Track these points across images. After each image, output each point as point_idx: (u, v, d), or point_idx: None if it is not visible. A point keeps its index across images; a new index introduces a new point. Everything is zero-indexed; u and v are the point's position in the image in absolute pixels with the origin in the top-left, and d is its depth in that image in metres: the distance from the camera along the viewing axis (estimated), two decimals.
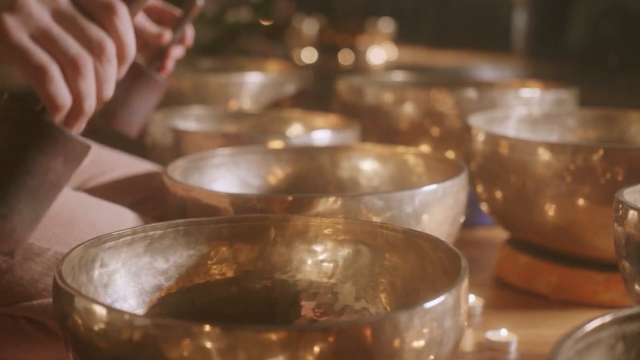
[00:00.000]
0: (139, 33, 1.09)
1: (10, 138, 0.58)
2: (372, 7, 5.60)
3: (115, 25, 0.58)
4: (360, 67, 4.47)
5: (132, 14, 0.62)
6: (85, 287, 0.71)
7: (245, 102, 1.77)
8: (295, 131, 1.49)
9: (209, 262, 0.80)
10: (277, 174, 1.17)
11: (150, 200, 1.06)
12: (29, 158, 0.58)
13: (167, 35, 1.06)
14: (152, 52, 1.07)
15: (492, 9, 5.67)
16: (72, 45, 0.56)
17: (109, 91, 0.59)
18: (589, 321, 0.54)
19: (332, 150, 1.19)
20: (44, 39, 0.56)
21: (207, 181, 1.11)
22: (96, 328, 0.59)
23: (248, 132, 1.48)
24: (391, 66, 4.48)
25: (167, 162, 1.07)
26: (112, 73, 0.58)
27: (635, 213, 0.81)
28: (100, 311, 0.59)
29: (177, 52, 1.07)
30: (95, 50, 0.57)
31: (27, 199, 0.60)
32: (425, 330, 0.60)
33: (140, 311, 0.76)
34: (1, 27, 0.55)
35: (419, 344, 0.60)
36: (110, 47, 0.57)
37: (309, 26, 4.81)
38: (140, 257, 0.77)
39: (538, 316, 1.12)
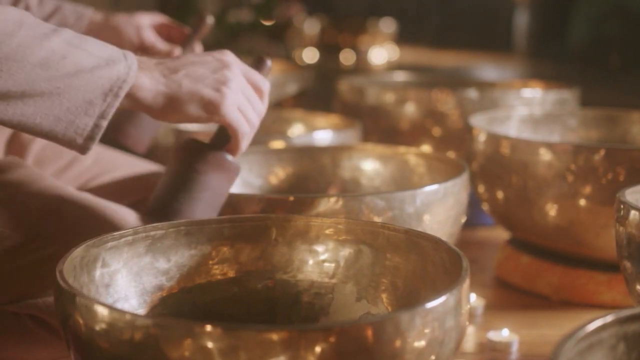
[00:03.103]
0: (149, 50, 1.11)
1: (195, 166, 0.85)
2: (374, 7, 5.60)
3: (264, 99, 0.87)
4: (361, 67, 4.47)
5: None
6: (86, 287, 0.71)
7: None
8: (297, 131, 1.49)
9: (211, 262, 0.80)
10: (279, 174, 1.17)
11: None
12: (209, 180, 0.85)
13: (177, 52, 1.08)
14: None
15: (494, 10, 5.67)
16: (254, 115, 0.85)
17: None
18: (590, 321, 0.54)
19: (334, 151, 1.19)
20: (242, 110, 0.84)
21: None
22: (97, 328, 0.59)
23: None
24: (393, 66, 4.48)
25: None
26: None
27: (637, 213, 0.81)
28: (102, 311, 0.59)
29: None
30: (259, 115, 0.86)
31: (205, 206, 0.86)
32: (426, 331, 0.60)
33: (141, 311, 0.76)
34: (223, 102, 0.81)
35: (420, 344, 0.60)
36: (263, 111, 0.87)
37: (311, 26, 4.81)
38: (142, 257, 0.77)
39: (539, 316, 1.12)
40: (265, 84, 0.87)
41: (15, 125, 0.73)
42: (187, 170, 0.86)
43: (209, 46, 3.09)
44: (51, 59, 0.72)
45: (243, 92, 0.84)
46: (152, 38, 1.15)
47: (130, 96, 0.78)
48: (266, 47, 3.41)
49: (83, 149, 0.76)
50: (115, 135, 1.01)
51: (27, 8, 1.11)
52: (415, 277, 0.76)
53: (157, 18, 1.18)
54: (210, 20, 1.07)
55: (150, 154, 1.38)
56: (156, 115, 0.81)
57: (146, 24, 1.17)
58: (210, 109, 0.81)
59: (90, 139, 0.75)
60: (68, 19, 1.14)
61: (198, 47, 1.11)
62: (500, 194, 1.19)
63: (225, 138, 0.87)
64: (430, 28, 5.86)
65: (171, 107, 0.80)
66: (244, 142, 0.85)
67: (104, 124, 0.76)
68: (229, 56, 0.85)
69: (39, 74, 0.71)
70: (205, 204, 0.85)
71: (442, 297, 0.61)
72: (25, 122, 0.72)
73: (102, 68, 0.74)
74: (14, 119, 0.72)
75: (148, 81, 0.79)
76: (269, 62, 0.91)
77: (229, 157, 0.86)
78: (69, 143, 0.75)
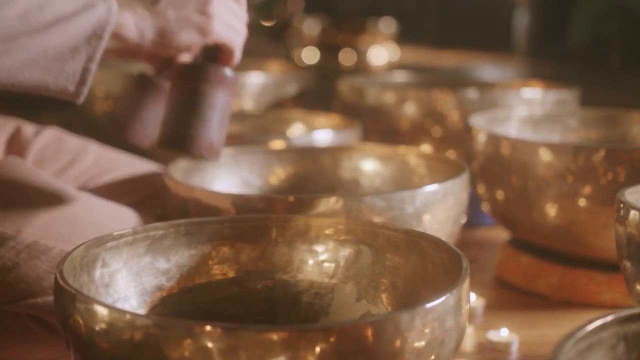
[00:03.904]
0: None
1: (201, 89, 0.86)
2: (374, 7, 5.60)
3: (243, 4, 0.90)
4: (361, 67, 4.47)
5: None
6: (86, 287, 0.71)
7: (247, 102, 1.77)
8: (297, 131, 1.49)
9: (211, 262, 0.80)
10: (279, 174, 1.17)
11: (151, 199, 1.06)
12: (215, 99, 0.87)
13: None
14: (160, 62, 1.08)
15: (494, 9, 5.66)
16: (242, 27, 0.88)
17: None
18: (590, 321, 0.54)
19: (334, 151, 1.19)
20: (229, 25, 0.86)
21: (209, 181, 1.11)
22: (97, 328, 0.59)
23: (249, 133, 1.48)
24: (393, 66, 4.47)
25: (169, 162, 1.07)
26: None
27: (637, 213, 0.81)
28: (102, 311, 0.59)
29: (185, 61, 1.09)
30: (244, 25, 0.89)
31: (217, 125, 0.88)
32: (426, 331, 0.60)
33: (141, 311, 0.76)
34: (212, 23, 0.84)
35: (420, 344, 0.60)
36: (245, 15, 0.90)
37: (310, 26, 4.81)
38: (142, 257, 0.77)
39: (539, 316, 1.12)
40: None
41: (6, 82, 0.73)
42: (193, 95, 0.87)
43: None
44: (29, 11, 0.72)
45: (225, 5, 0.86)
46: None
47: (116, 36, 0.79)
48: (266, 47, 3.41)
49: (76, 95, 0.77)
50: (121, 134, 1.00)
51: None
52: (415, 277, 0.76)
53: None
54: None
55: (150, 154, 1.38)
56: (148, 50, 0.83)
57: None
58: (202, 33, 0.84)
59: (81, 84, 0.76)
60: None
61: None
62: (500, 194, 1.19)
63: (216, 52, 0.89)
64: (430, 28, 5.86)
65: (161, 39, 0.82)
66: (238, 53, 0.88)
67: (93, 67, 0.76)
68: None
69: (19, 28, 0.71)
70: (217, 123, 0.88)
71: (442, 297, 0.61)
72: (14, 77, 0.73)
73: (81, 13, 0.74)
74: (2, 76, 0.72)
75: (132, 17, 0.80)
76: None
77: (228, 71, 0.88)
78: (61, 92, 0.76)
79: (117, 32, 0.78)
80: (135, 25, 0.80)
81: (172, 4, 0.82)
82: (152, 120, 1.07)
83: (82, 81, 0.76)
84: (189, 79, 0.88)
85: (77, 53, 0.75)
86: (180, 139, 0.86)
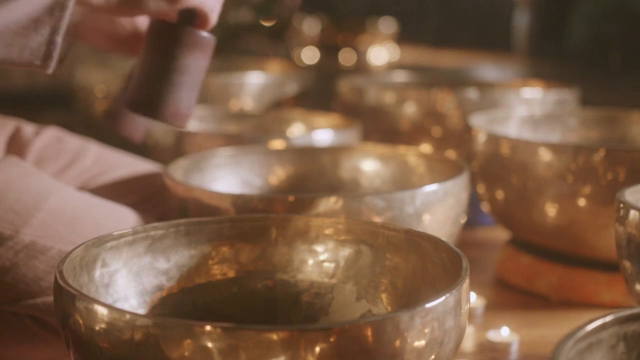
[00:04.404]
0: (142, 41, 1.10)
1: (170, 51, 0.81)
2: (374, 7, 5.60)
3: None
4: (361, 67, 4.47)
5: None
6: (86, 287, 0.71)
7: (247, 102, 1.77)
8: (297, 131, 1.49)
9: (210, 262, 0.80)
10: (279, 174, 1.17)
11: (151, 199, 1.06)
12: (185, 63, 0.82)
13: None
14: None
15: (494, 9, 5.66)
16: None
17: None
18: (590, 321, 0.54)
19: (334, 151, 1.19)
20: None
21: (209, 181, 1.11)
22: (97, 328, 0.59)
23: (249, 132, 1.48)
24: (392, 66, 4.47)
25: (169, 162, 1.07)
26: None
27: (637, 213, 0.81)
28: (102, 311, 0.59)
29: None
30: None
31: (186, 90, 0.82)
32: (426, 330, 0.60)
33: (141, 311, 0.76)
34: None
35: (420, 344, 0.60)
36: None
37: (310, 26, 4.81)
38: (142, 257, 0.77)
39: (539, 316, 1.12)
40: None
41: None
42: (163, 58, 0.82)
43: None
44: None
45: None
46: (145, 27, 1.14)
47: (81, 1, 0.76)
48: (266, 47, 3.40)
49: (44, 68, 0.75)
50: (111, 125, 1.00)
51: None
52: (415, 277, 0.76)
53: None
54: None
55: (150, 154, 1.38)
56: (114, 13, 0.79)
57: None
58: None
59: (47, 57, 0.74)
60: None
61: None
62: (500, 194, 1.19)
63: (191, 12, 0.84)
64: (431, 28, 5.86)
65: (127, 1, 0.78)
66: (214, 16, 0.82)
67: (58, 39, 0.74)
68: None
69: None
70: (188, 87, 0.83)
71: (442, 297, 0.61)
72: None
73: None
74: None
75: None
76: None
77: (202, 33, 0.83)
78: (28, 65, 0.74)
79: None
80: None
81: None
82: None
83: (47, 54, 0.73)
84: (159, 39, 0.83)
85: (40, 25, 0.72)
86: (144, 103, 0.82)
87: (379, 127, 1.57)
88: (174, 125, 0.85)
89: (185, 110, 0.84)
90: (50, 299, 0.84)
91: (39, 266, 0.84)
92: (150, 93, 0.82)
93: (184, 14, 0.83)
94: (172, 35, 0.82)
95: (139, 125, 1.04)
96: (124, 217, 0.93)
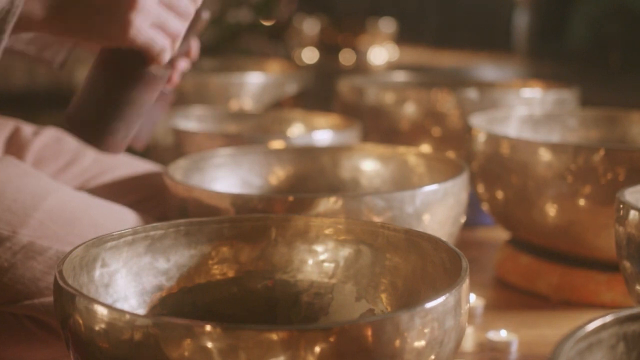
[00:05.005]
0: None
1: (113, 81, 0.78)
2: (374, 7, 5.60)
3: None
4: (361, 67, 4.47)
5: None
6: (86, 287, 0.71)
7: (247, 102, 1.77)
8: (297, 131, 1.49)
9: (210, 262, 0.80)
10: (278, 174, 1.17)
11: (151, 199, 1.06)
12: (127, 95, 0.79)
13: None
14: None
15: (494, 9, 5.66)
16: (174, 23, 0.75)
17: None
18: (590, 321, 0.54)
19: (333, 151, 1.19)
20: (158, 25, 0.74)
21: (208, 181, 1.11)
22: (97, 328, 0.59)
23: (249, 132, 1.48)
24: (392, 66, 4.48)
25: (169, 162, 1.07)
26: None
27: (637, 213, 0.81)
28: (102, 311, 0.59)
29: (182, 65, 1.09)
30: (185, 18, 0.76)
31: (127, 120, 0.80)
32: (426, 330, 0.60)
33: (141, 311, 0.76)
34: (132, 28, 0.71)
35: (420, 344, 0.60)
36: (192, 10, 0.77)
37: (310, 26, 4.81)
38: (142, 257, 0.77)
39: (539, 316, 1.12)
40: None
41: None
42: (105, 87, 0.79)
43: (209, 45, 3.08)
44: None
45: (161, 1, 0.74)
46: None
47: (21, 25, 0.72)
48: (266, 47, 3.41)
49: None
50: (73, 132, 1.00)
51: None
52: (415, 277, 0.76)
53: None
54: (205, 15, 1.07)
55: (150, 154, 1.38)
56: (62, 36, 0.79)
57: None
58: (120, 29, 0.72)
59: None
60: None
61: (195, 43, 1.11)
62: (500, 194, 1.19)
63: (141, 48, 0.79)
64: (430, 28, 5.86)
65: (73, 30, 0.73)
66: (165, 55, 0.77)
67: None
68: None
69: None
70: (127, 119, 0.80)
71: (441, 297, 0.61)
72: None
73: None
74: None
75: (38, 4, 0.72)
76: None
77: (150, 69, 0.79)
78: None
79: (23, 17, 0.71)
80: (43, 10, 0.71)
81: None
82: (148, 123, 1.07)
83: None
84: (104, 66, 0.79)
85: None
86: (80, 125, 0.80)
87: (378, 127, 1.57)
88: (107, 152, 0.83)
89: (120, 141, 0.81)
90: (48, 299, 0.84)
91: (36, 267, 0.83)
92: (87, 118, 0.80)
93: (133, 48, 0.78)
94: (116, 66, 0.79)
95: (142, 135, 1.05)
96: (122, 217, 0.93)
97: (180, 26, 0.76)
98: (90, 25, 0.72)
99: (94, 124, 0.79)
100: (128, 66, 0.78)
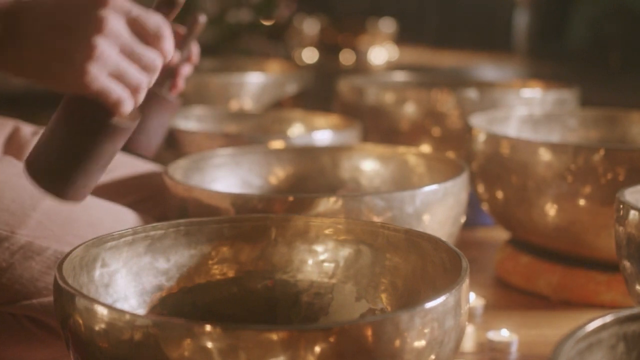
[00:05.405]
0: None
1: (72, 131, 0.73)
2: (374, 7, 5.60)
3: (163, 46, 0.70)
4: (361, 67, 4.47)
5: (169, 21, 0.74)
6: (86, 287, 0.71)
7: (247, 102, 1.77)
8: (297, 131, 1.49)
9: (210, 262, 0.80)
10: (278, 174, 1.17)
11: (150, 199, 1.06)
12: (99, 149, 0.74)
13: (175, 56, 1.08)
14: (162, 73, 1.08)
15: (494, 9, 5.67)
16: (135, 74, 0.69)
17: (151, 85, 0.73)
18: (590, 321, 0.54)
19: (333, 151, 1.19)
20: (116, 75, 0.68)
21: (208, 181, 1.11)
22: (97, 328, 0.59)
23: (249, 132, 1.48)
24: (392, 66, 4.48)
25: (168, 162, 1.07)
26: (156, 76, 0.72)
27: (637, 213, 0.81)
28: (102, 311, 0.59)
29: (186, 70, 1.10)
30: (150, 70, 0.70)
31: (86, 171, 0.74)
32: (426, 330, 0.60)
33: (141, 311, 0.76)
34: (87, 76, 0.66)
35: (420, 344, 0.60)
36: (159, 63, 0.70)
37: (310, 26, 4.81)
38: (142, 257, 0.77)
39: (539, 316, 1.12)
40: (162, 27, 0.69)
41: None
42: (65, 136, 0.74)
43: (209, 46, 3.08)
44: None
45: (122, 46, 0.68)
46: None
47: None
48: (266, 47, 3.41)
49: None
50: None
51: None
52: (415, 277, 0.76)
53: None
54: (202, 19, 1.07)
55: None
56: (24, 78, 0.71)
57: None
58: (68, 83, 0.68)
59: None
60: None
61: (194, 46, 1.12)
62: (500, 194, 1.19)
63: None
64: (430, 28, 5.86)
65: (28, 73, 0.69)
66: (125, 107, 0.70)
67: None
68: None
69: None
70: (87, 170, 0.75)
71: (441, 297, 0.61)
72: None
73: None
74: None
75: None
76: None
77: (116, 121, 0.73)
78: None
79: None
80: None
81: (47, 26, 0.66)
82: (156, 132, 1.08)
83: None
84: (66, 114, 0.74)
85: None
86: (37, 173, 0.75)
87: (378, 127, 1.57)
88: (65, 201, 0.78)
89: (78, 192, 0.76)
90: (46, 299, 0.84)
91: (35, 267, 0.83)
92: (44, 167, 0.74)
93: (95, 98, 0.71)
94: (77, 115, 0.73)
95: (151, 142, 1.06)
96: (121, 217, 0.93)
97: (142, 78, 0.70)
98: (45, 69, 0.67)
99: (51, 173, 0.74)
100: (89, 116, 0.73)
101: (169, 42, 0.70)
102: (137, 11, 0.68)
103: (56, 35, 0.66)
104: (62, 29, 0.66)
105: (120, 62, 0.68)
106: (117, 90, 0.69)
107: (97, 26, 0.65)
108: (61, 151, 0.74)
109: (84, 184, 0.75)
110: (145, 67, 0.70)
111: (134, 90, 0.70)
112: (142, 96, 0.71)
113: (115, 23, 0.66)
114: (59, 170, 0.74)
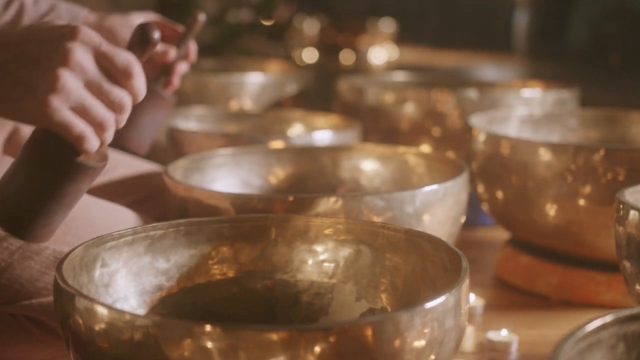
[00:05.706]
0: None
1: (37, 170, 0.69)
2: (374, 7, 5.60)
3: (132, 85, 0.67)
4: (361, 67, 4.47)
5: (142, 60, 0.71)
6: (86, 287, 0.71)
7: (246, 102, 1.77)
8: (296, 131, 1.49)
9: (210, 262, 0.80)
10: (278, 174, 1.17)
11: (150, 199, 1.06)
12: (63, 188, 0.70)
13: (172, 53, 1.08)
14: (157, 69, 1.08)
15: (494, 9, 5.67)
16: (101, 110, 0.66)
17: (121, 125, 0.70)
18: (590, 321, 0.54)
19: (333, 151, 1.19)
20: (80, 109, 0.65)
21: (208, 181, 1.11)
22: (97, 328, 0.59)
23: (249, 132, 1.48)
24: (392, 66, 4.48)
25: (168, 162, 1.07)
26: (127, 116, 0.70)
27: (637, 213, 0.81)
28: (102, 311, 0.59)
29: (182, 68, 1.10)
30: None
31: (52, 211, 0.70)
32: (426, 330, 0.60)
33: (141, 311, 0.76)
34: (49, 108, 0.63)
35: (420, 344, 0.60)
36: (128, 102, 0.68)
37: (310, 26, 4.82)
38: (141, 257, 0.77)
39: (539, 316, 1.12)
40: (132, 64, 0.67)
41: None
42: (29, 176, 0.70)
43: (209, 46, 3.08)
44: None
45: (88, 81, 0.65)
46: None
47: None
48: (266, 47, 3.41)
49: None
50: (117, 141, 1.01)
51: (22, 7, 1.11)
52: (414, 277, 0.76)
53: (152, 17, 1.18)
54: (202, 18, 1.07)
55: (150, 154, 1.38)
56: None
57: None
58: (29, 115, 0.65)
59: None
60: (62, 18, 1.14)
61: (193, 45, 1.12)
62: (500, 194, 1.19)
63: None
64: (430, 28, 5.86)
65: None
66: (89, 144, 0.66)
67: None
68: (76, 32, 0.64)
69: None
70: (52, 211, 0.71)
71: (441, 297, 0.61)
72: None
73: None
74: None
75: None
76: (156, 35, 0.70)
77: (83, 160, 0.69)
78: None
79: None
80: None
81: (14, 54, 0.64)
82: (150, 129, 1.08)
83: None
84: (30, 152, 0.70)
85: None
86: (12, 216, 0.71)
87: (378, 127, 1.57)
88: (28, 242, 0.77)
89: (41, 232, 0.72)
90: (45, 299, 0.84)
91: (34, 267, 0.83)
92: (5, 207, 0.71)
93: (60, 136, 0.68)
94: (41, 153, 0.69)
95: (144, 139, 1.05)
96: (120, 217, 0.93)
97: (108, 115, 0.66)
98: (7, 99, 0.64)
99: (11, 212, 0.70)
100: (51, 153, 0.68)
101: (139, 81, 0.67)
102: (107, 47, 0.66)
103: (21, 66, 0.64)
104: (27, 59, 0.64)
105: (85, 97, 0.65)
106: (79, 125, 0.65)
107: (62, 58, 0.63)
108: (23, 189, 0.70)
109: (47, 223, 0.71)
110: (112, 104, 0.67)
111: (98, 126, 0.66)
112: (109, 135, 0.68)
113: (82, 56, 0.64)
114: (19, 209, 0.70)
